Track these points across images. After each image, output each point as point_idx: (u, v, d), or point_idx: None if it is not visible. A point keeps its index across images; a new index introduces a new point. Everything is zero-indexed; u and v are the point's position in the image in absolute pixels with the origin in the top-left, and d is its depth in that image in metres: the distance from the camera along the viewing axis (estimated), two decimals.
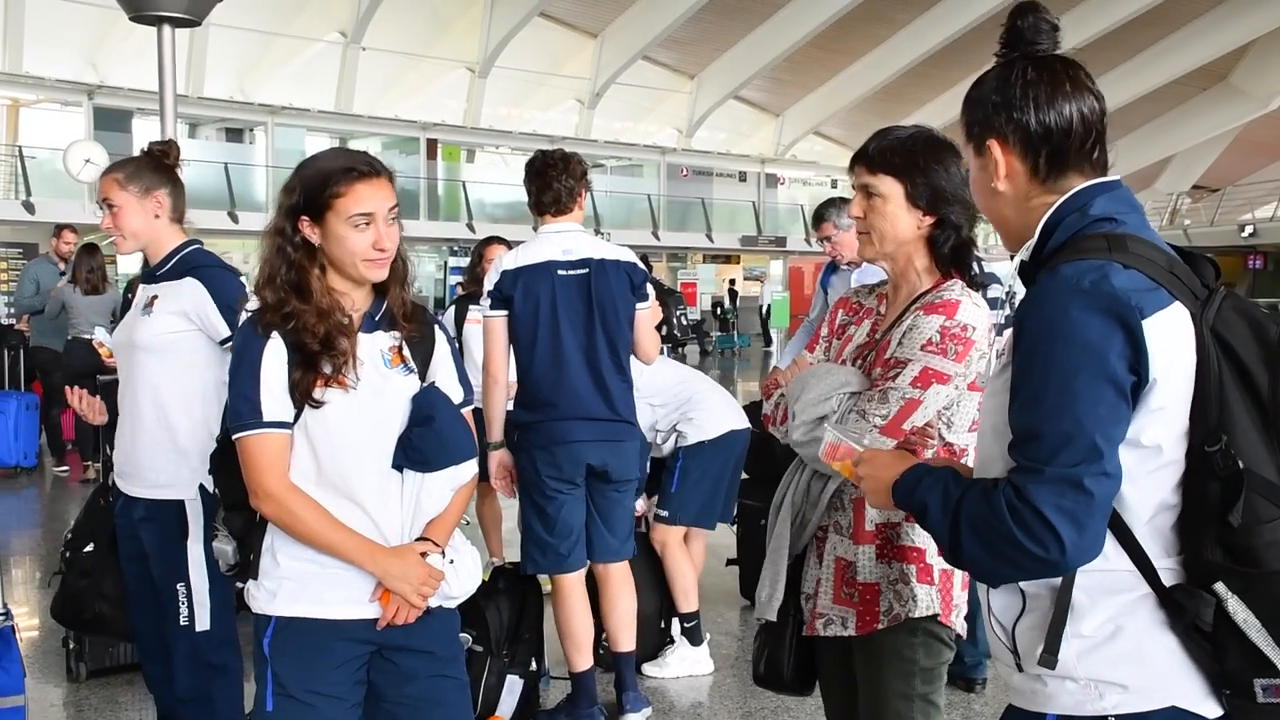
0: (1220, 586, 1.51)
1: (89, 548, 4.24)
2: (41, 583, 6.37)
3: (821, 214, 5.36)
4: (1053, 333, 1.53)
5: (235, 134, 28.66)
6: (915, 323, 2.35)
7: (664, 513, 4.84)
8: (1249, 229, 32.87)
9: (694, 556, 4.96)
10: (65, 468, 9.65)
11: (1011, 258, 1.79)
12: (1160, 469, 1.55)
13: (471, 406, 2.54)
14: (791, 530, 2.48)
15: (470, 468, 2.43)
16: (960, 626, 2.47)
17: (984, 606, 1.74)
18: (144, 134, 22.96)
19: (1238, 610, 1.50)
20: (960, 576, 2.45)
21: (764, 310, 31.06)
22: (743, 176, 37.48)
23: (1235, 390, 1.53)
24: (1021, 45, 1.71)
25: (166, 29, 6.32)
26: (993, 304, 4.38)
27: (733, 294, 31.64)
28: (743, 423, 4.93)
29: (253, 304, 2.39)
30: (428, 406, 2.37)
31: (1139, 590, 1.57)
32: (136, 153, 3.42)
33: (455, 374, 2.50)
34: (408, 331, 2.43)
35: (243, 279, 3.28)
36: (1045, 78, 1.68)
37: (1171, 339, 1.53)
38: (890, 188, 2.38)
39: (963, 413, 2.38)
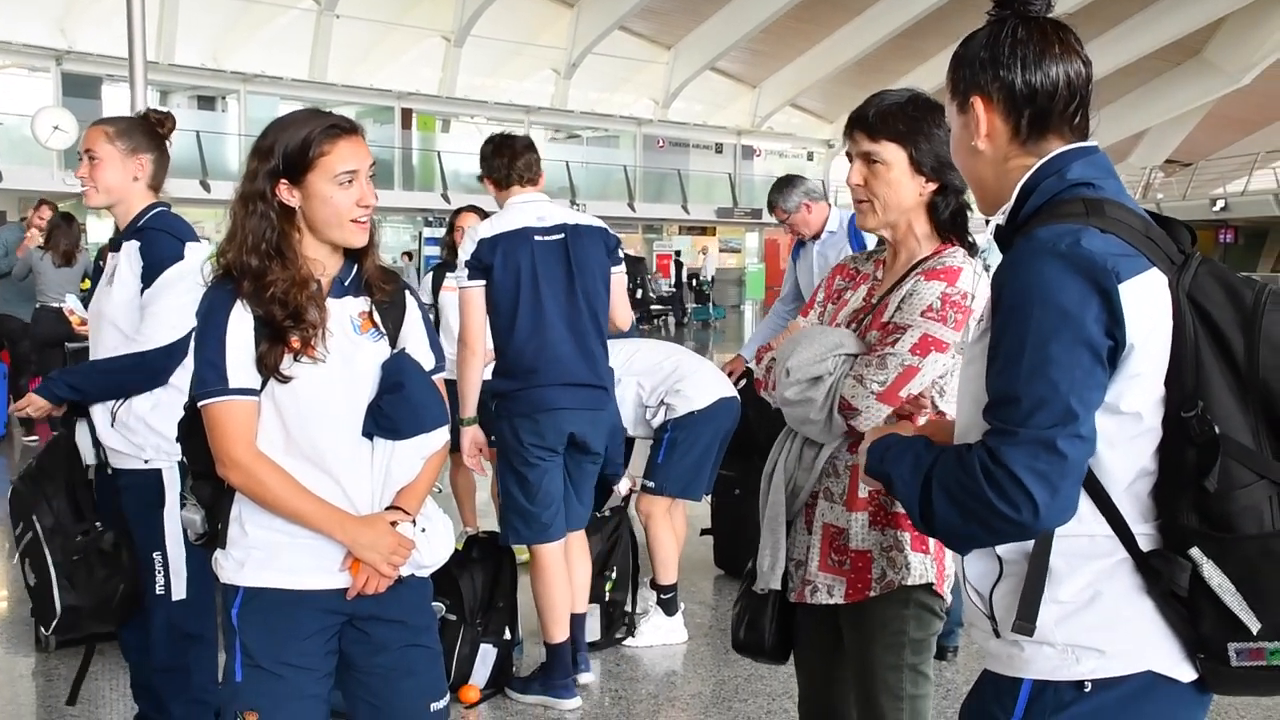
0: (1196, 551, 1.51)
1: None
2: (9, 554, 6.31)
3: (770, 200, 5.46)
4: (1029, 296, 1.52)
5: (208, 102, 28.34)
6: (916, 288, 2.33)
7: (650, 483, 4.82)
8: (1220, 203, 33.10)
9: (676, 528, 4.96)
10: (34, 437, 9.54)
11: (986, 223, 1.78)
12: (1140, 435, 1.56)
13: (443, 374, 2.52)
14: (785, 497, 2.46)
15: (441, 435, 2.41)
16: (949, 597, 2.45)
17: (959, 573, 1.74)
18: (114, 101, 22.72)
19: (1213, 575, 1.51)
20: None
21: (700, 279, 30.39)
22: (719, 148, 37.43)
23: (1211, 356, 1.53)
24: (1015, 5, 1.70)
25: None
26: None
27: (678, 265, 30.44)
28: (730, 391, 4.93)
29: (209, 270, 2.35)
30: (398, 373, 2.33)
31: (1116, 555, 1.58)
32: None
33: (427, 340, 2.47)
34: (380, 296, 2.40)
35: (202, 244, 3.23)
36: (1035, 38, 1.67)
37: (1148, 304, 1.53)
38: (894, 154, 2.34)
39: (957, 382, 2.36)
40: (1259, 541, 1.50)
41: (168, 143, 3.32)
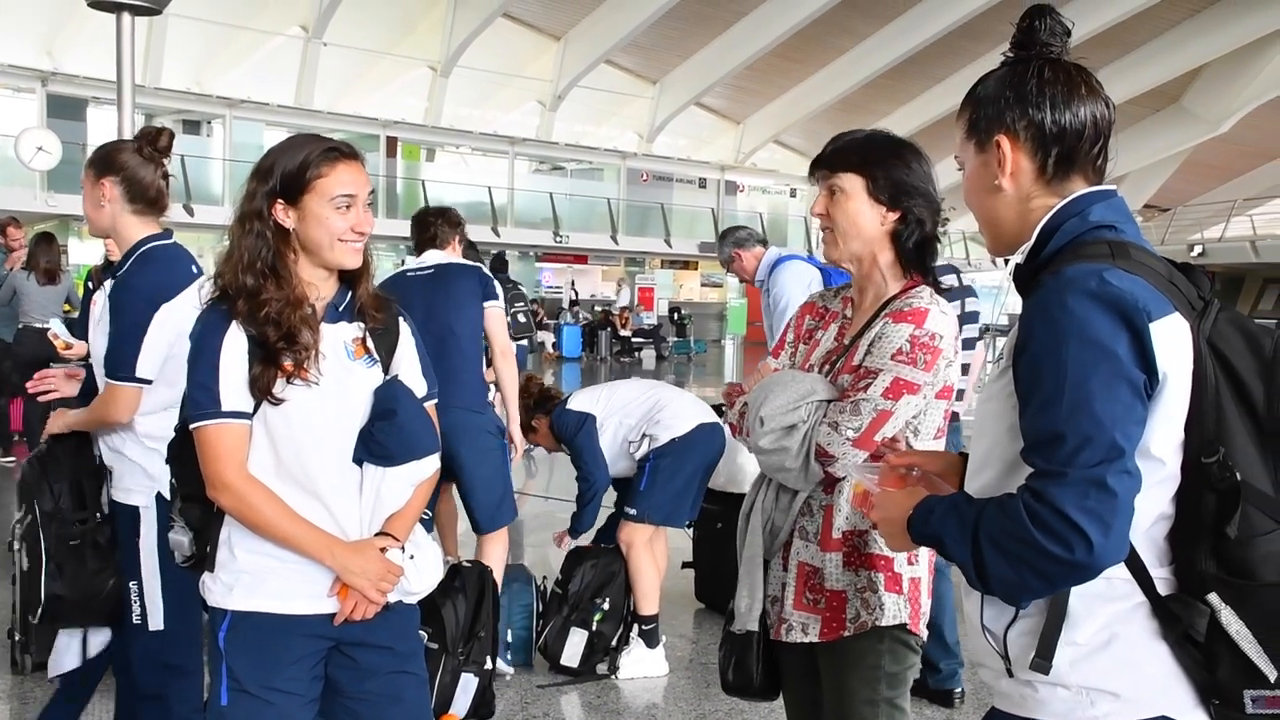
0: (1214, 598, 1.51)
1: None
2: (6, 541, 6.24)
3: (719, 253, 5.98)
4: (1062, 334, 1.51)
5: (193, 126, 28.28)
6: (884, 331, 2.35)
7: (632, 511, 4.81)
8: (1198, 248, 33.41)
9: (657, 560, 4.96)
10: (12, 459, 9.46)
11: (1005, 262, 1.79)
12: (1162, 480, 1.55)
13: (434, 401, 2.53)
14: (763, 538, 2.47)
15: (432, 463, 2.42)
16: (924, 633, 2.46)
17: (970, 612, 1.72)
18: (99, 123, 22.64)
19: (1231, 622, 1.50)
20: (927, 584, 2.46)
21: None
22: (702, 183, 37.57)
23: (1231, 402, 1.54)
24: (1036, 46, 1.72)
25: (126, 17, 6.23)
26: (971, 318, 4.44)
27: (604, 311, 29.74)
28: (711, 418, 4.93)
29: (206, 291, 2.36)
30: (390, 400, 2.35)
31: (1134, 599, 1.57)
32: (89, 141, 3.39)
33: (419, 367, 2.48)
34: (374, 323, 2.41)
35: (195, 280, 3.19)
36: (1062, 78, 1.69)
37: (1174, 346, 1.53)
38: (851, 183, 2.39)
39: (929, 421, 2.39)
40: (1278, 590, 1.50)
41: (163, 160, 3.25)
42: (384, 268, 28.80)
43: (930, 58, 30.44)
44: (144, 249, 3.18)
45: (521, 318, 9.50)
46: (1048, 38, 1.72)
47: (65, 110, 23.55)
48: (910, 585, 2.40)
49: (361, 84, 31.40)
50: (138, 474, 3.15)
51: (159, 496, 3.11)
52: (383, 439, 2.33)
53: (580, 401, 4.97)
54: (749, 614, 2.47)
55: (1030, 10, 1.75)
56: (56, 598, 3.63)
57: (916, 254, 2.43)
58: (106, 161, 3.20)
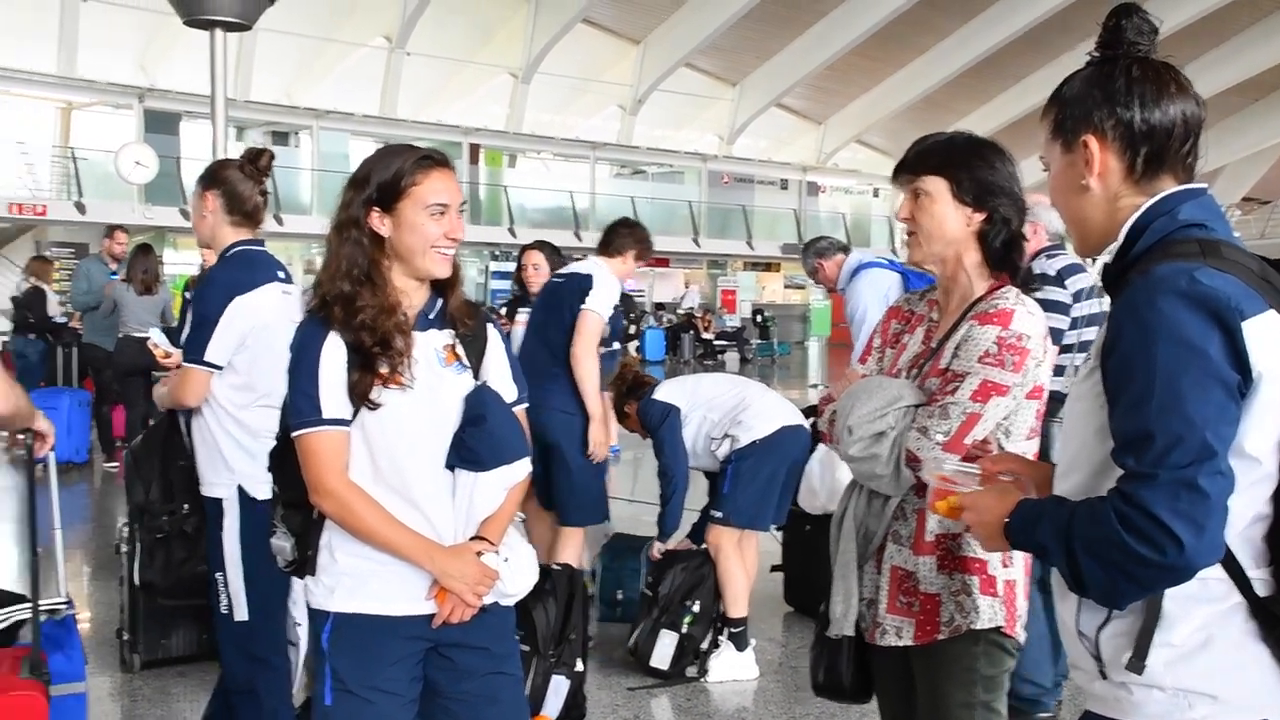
0: None
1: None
2: (92, 576, 6.48)
3: (804, 264, 6.15)
4: (1152, 333, 1.50)
5: (281, 137, 28.93)
6: (970, 333, 2.33)
7: (718, 514, 4.83)
8: None
9: (746, 563, 4.94)
10: (115, 464, 9.77)
11: (1093, 261, 1.78)
12: (1259, 480, 1.53)
13: (524, 405, 2.56)
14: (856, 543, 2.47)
15: (523, 466, 2.44)
16: (1022, 635, 2.44)
17: (1065, 615, 1.70)
18: (192, 136, 23.28)
19: None
20: (1023, 587, 2.43)
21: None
22: (784, 184, 37.40)
23: None
24: (1123, 45, 1.71)
25: (218, 33, 6.42)
26: (1082, 295, 4.27)
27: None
28: (796, 420, 4.92)
29: (307, 300, 2.43)
30: (480, 406, 2.38)
31: (1231, 600, 1.54)
32: (182, 154, 3.63)
33: (509, 372, 2.51)
34: (464, 330, 2.46)
35: (271, 286, 3.36)
36: (1150, 77, 1.68)
37: (1269, 343, 1.51)
38: (935, 185, 2.38)
39: (1020, 421, 2.36)
40: None
41: (263, 176, 3.46)
42: (468, 274, 29.23)
43: (1012, 55, 29.94)
44: (232, 251, 3.40)
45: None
46: (1135, 36, 1.70)
47: (161, 125, 24.24)
48: (1005, 588, 2.38)
49: (444, 92, 31.80)
50: (220, 467, 3.31)
51: (241, 490, 3.28)
52: (473, 445, 2.36)
53: (667, 392, 5.01)
54: (844, 619, 2.46)
55: (1116, 9, 1.73)
56: (147, 584, 3.92)
57: (1003, 253, 2.41)
58: (212, 176, 3.45)
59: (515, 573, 2.46)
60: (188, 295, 3.97)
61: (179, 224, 20.86)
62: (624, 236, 5.15)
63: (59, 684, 3.25)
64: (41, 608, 3.36)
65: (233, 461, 3.29)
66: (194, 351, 3.26)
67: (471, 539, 2.40)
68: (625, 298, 6.53)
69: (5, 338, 13.75)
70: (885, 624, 2.43)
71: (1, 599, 3.72)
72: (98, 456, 10.02)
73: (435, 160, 2.38)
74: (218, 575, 3.34)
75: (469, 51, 30.95)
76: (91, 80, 24.40)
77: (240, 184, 3.41)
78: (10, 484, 7.81)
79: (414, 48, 28.68)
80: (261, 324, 3.26)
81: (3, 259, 23.48)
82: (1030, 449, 2.36)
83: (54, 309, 11.25)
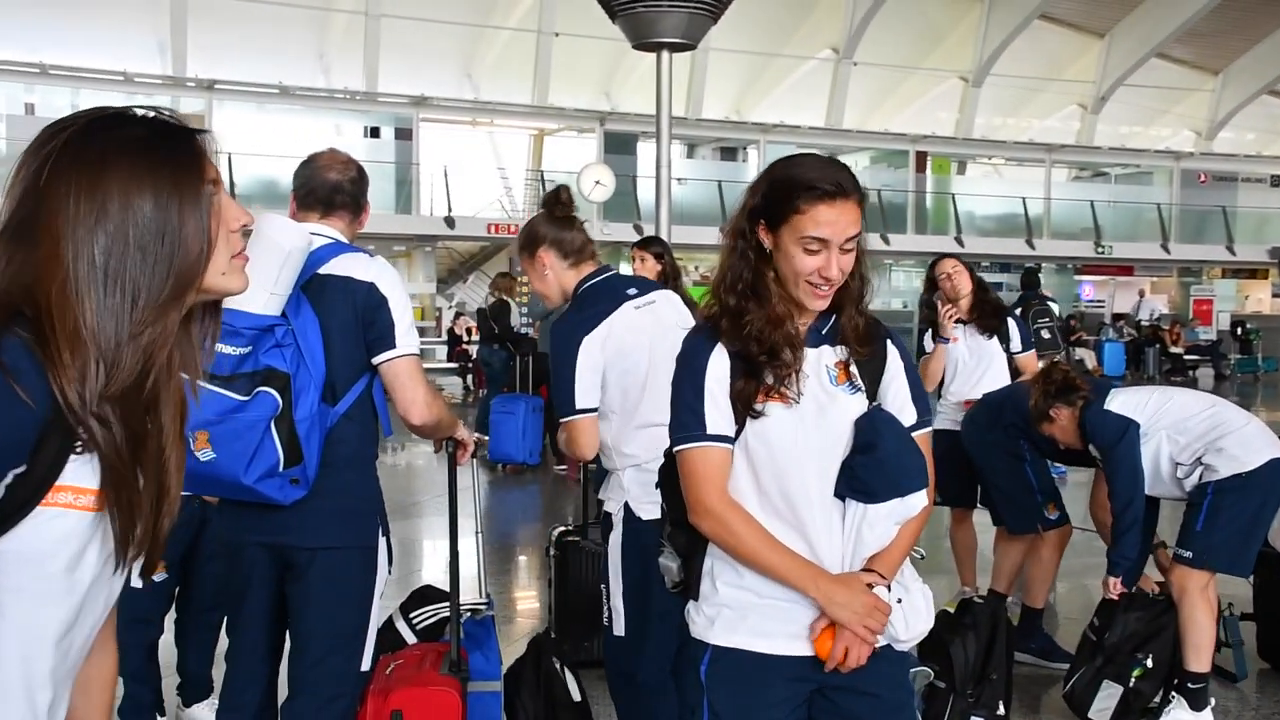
0: None
1: None
2: (541, 572, 6.86)
3: None
4: None
5: (729, 153, 29.94)
6: None
7: (1187, 554, 4.22)
8: None
9: (1211, 607, 4.31)
10: (564, 467, 10.40)
11: None
12: None
13: (929, 429, 2.31)
14: None
15: (919, 499, 2.20)
16: None
17: None
18: (646, 156, 24.63)
19: None
20: None
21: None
22: (1275, 181, 33.56)
23: None
24: None
25: (665, 54, 6.65)
26: None
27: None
28: None
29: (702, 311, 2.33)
30: (871, 432, 2.17)
31: None
32: (638, 173, 3.65)
33: (908, 394, 2.28)
34: (858, 355, 2.25)
35: (628, 303, 3.31)
36: None
37: None
38: None
39: None
40: None
41: (570, 212, 3.41)
42: (912, 284, 28.73)
43: None
44: (577, 293, 3.37)
45: (1045, 334, 9.02)
46: None
47: (619, 146, 25.92)
48: None
49: (890, 100, 31.49)
50: (615, 484, 3.34)
51: (627, 507, 3.28)
52: (863, 474, 2.16)
53: (1123, 403, 4.41)
54: None
55: None
56: (561, 587, 4.24)
57: None
58: (531, 238, 3.40)
59: (910, 614, 2.23)
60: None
61: (634, 239, 22.07)
62: None
63: (476, 681, 3.40)
64: (463, 607, 3.54)
65: (624, 479, 3.32)
66: (565, 406, 3.26)
67: (861, 570, 2.20)
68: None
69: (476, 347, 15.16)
70: None
71: (430, 596, 3.98)
72: (550, 460, 10.69)
73: (825, 191, 2.11)
74: (603, 586, 3.38)
75: (916, 58, 30.45)
76: (561, 108, 26.48)
77: (559, 230, 3.37)
78: (466, 484, 8.48)
79: (861, 57, 28.61)
80: (614, 352, 3.24)
81: (482, 274, 26.05)
82: None
83: (516, 320, 12.21)
